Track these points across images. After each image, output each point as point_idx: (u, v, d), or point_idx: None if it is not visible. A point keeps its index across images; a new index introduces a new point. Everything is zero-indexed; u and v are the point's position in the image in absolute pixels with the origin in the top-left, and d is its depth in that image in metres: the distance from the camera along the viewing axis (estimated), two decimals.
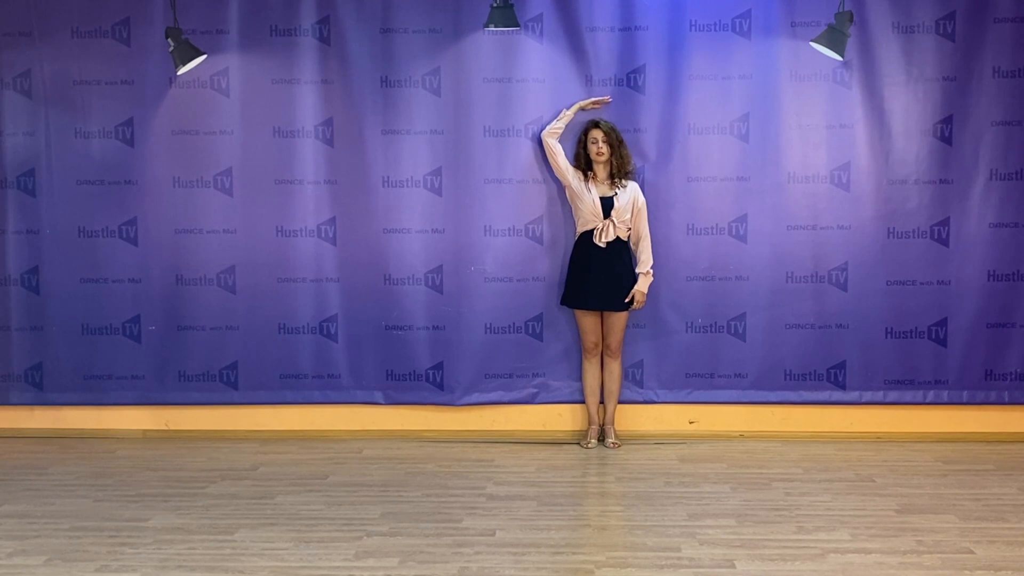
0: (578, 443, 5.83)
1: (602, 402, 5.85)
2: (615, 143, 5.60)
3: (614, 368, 5.76)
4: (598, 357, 5.78)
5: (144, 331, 6.00)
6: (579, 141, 5.67)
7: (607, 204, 5.59)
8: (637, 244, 5.69)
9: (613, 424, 5.81)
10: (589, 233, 5.63)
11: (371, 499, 4.76)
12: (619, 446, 5.70)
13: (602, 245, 5.59)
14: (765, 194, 5.83)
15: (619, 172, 5.62)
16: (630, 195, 5.64)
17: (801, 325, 5.89)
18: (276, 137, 5.90)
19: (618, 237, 5.61)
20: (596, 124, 5.63)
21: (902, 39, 5.74)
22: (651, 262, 5.67)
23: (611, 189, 5.62)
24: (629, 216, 5.62)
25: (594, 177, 5.66)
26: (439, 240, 5.89)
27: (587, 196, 5.60)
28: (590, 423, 5.83)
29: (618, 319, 5.69)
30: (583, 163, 5.66)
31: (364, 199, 5.90)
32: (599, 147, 5.58)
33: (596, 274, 5.60)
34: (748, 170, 5.81)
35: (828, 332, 5.88)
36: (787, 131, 5.81)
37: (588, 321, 5.71)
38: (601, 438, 5.82)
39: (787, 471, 5.23)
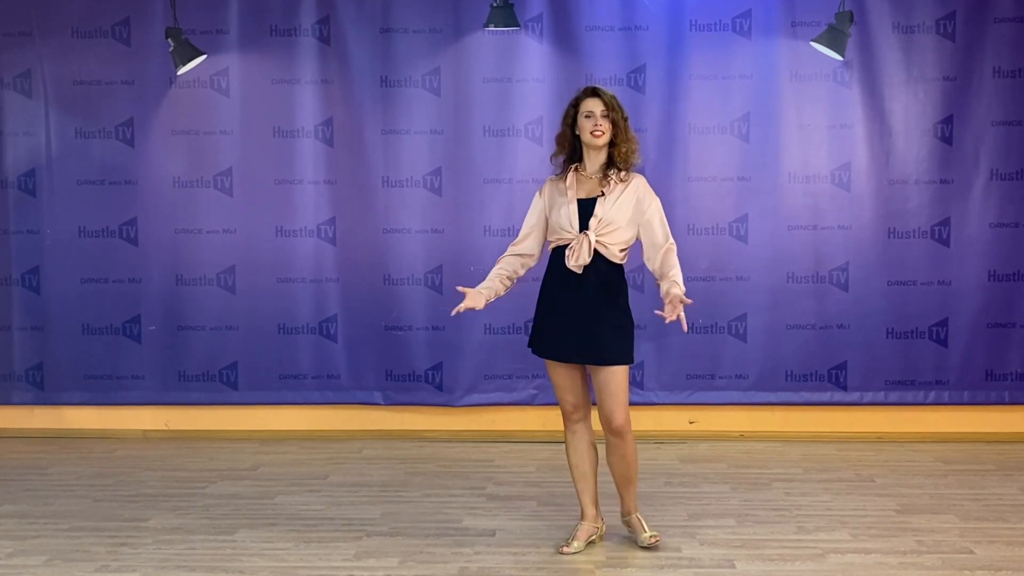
0: (560, 546, 4.04)
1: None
2: (619, 121, 3.89)
3: (624, 450, 3.97)
4: (584, 424, 4.03)
5: (144, 331, 6.00)
6: (566, 116, 3.97)
7: (586, 209, 3.89)
8: (657, 264, 3.91)
9: (637, 512, 4.10)
10: (562, 250, 3.93)
11: (371, 499, 4.75)
12: (658, 540, 4.03)
13: (575, 270, 3.87)
14: (765, 194, 5.82)
15: (621, 162, 3.90)
16: (627, 196, 3.87)
17: (802, 325, 5.88)
18: (276, 137, 5.90)
19: (603, 258, 3.87)
20: (594, 91, 3.91)
21: (902, 39, 5.73)
22: (680, 277, 3.90)
23: (600, 186, 3.91)
24: (621, 227, 3.87)
25: (580, 170, 3.96)
26: (439, 240, 5.89)
27: (562, 198, 3.93)
28: (581, 517, 4.09)
29: (611, 376, 3.86)
30: (569, 149, 3.98)
31: (364, 199, 5.90)
32: (596, 123, 3.85)
33: (568, 311, 3.90)
34: (748, 170, 5.81)
35: (829, 332, 5.88)
36: (787, 131, 5.80)
37: (560, 374, 3.97)
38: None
39: (787, 471, 5.22)
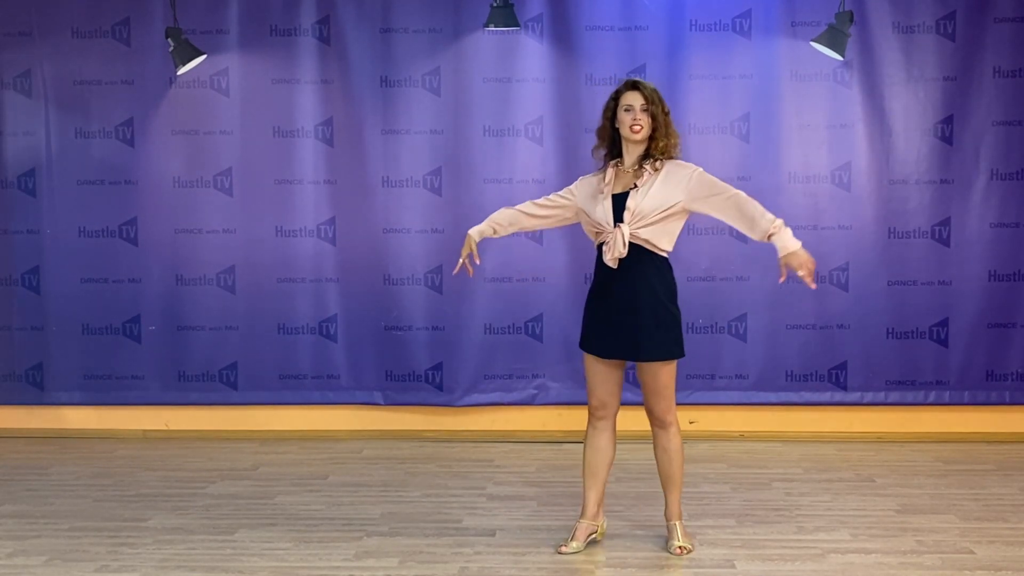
0: (559, 546, 4.03)
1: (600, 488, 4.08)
2: (659, 115, 3.82)
3: (666, 442, 3.96)
4: (606, 423, 3.99)
5: (144, 331, 6.00)
6: (606, 110, 3.92)
7: (621, 203, 3.83)
8: (741, 220, 3.87)
9: (679, 519, 4.03)
10: (601, 247, 3.90)
11: (371, 499, 4.75)
12: (688, 551, 3.98)
13: (611, 265, 3.83)
14: (765, 194, 5.76)
15: (659, 156, 3.83)
16: (659, 184, 3.79)
17: (802, 325, 5.88)
18: (276, 137, 5.90)
19: (643, 251, 3.82)
20: (634, 85, 3.85)
21: (902, 39, 5.73)
22: (769, 214, 3.80)
23: (634, 179, 3.85)
24: (657, 216, 3.78)
25: (619, 165, 3.90)
26: (439, 240, 5.88)
27: (599, 196, 3.88)
28: (583, 513, 4.06)
29: (655, 372, 3.88)
30: (609, 143, 3.93)
31: (364, 199, 5.90)
32: (635, 117, 3.80)
33: (608, 306, 3.88)
34: (748, 170, 5.81)
35: (829, 332, 5.87)
36: (788, 131, 5.80)
37: (596, 370, 3.95)
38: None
39: (787, 471, 5.22)
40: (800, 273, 3.69)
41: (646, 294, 3.82)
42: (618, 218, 3.80)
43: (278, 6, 5.85)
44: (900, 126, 5.78)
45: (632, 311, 3.82)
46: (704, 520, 4.40)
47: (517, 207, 4.10)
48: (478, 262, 4.10)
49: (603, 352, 3.91)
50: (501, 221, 4.08)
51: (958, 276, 5.82)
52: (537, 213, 4.06)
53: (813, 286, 3.73)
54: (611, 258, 3.80)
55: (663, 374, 3.88)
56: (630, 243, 3.79)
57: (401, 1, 5.82)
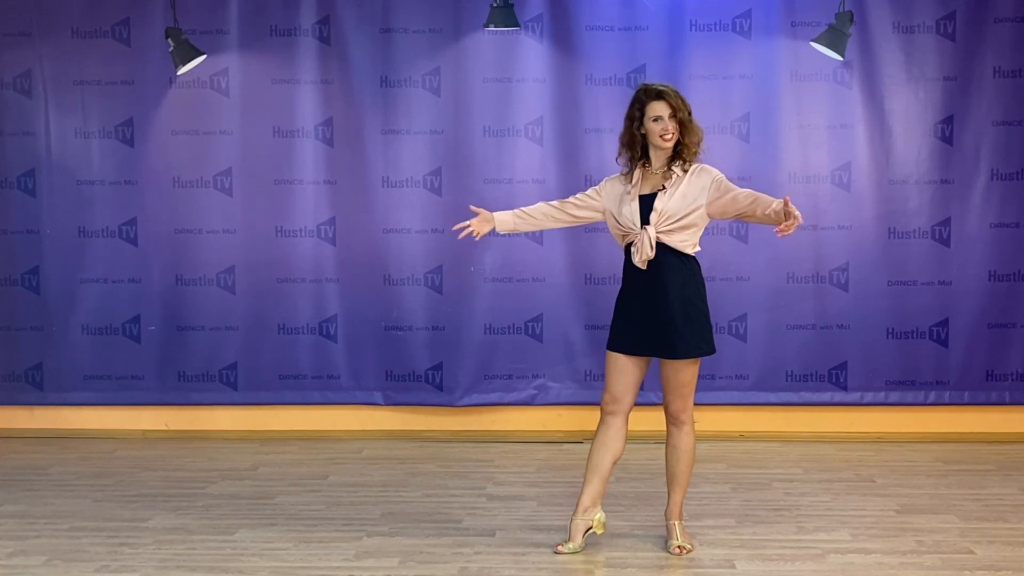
0: (553, 548, 4.02)
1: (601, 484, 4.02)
2: (686, 119, 3.87)
3: (678, 440, 3.98)
4: (614, 418, 3.96)
5: (144, 331, 6.00)
6: (630, 119, 3.92)
7: (648, 205, 3.88)
8: (753, 213, 3.92)
9: (679, 519, 4.04)
10: (629, 248, 3.94)
11: (371, 499, 4.75)
12: (687, 551, 3.98)
13: (640, 266, 3.87)
14: (765, 194, 5.81)
15: (688, 154, 3.89)
16: (685, 187, 3.85)
17: (802, 326, 5.88)
18: (276, 137, 5.91)
19: (671, 251, 3.87)
20: (660, 94, 3.86)
21: (902, 39, 5.74)
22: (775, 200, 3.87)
23: (663, 180, 3.90)
24: (684, 218, 3.85)
25: (647, 166, 3.95)
26: (439, 240, 5.88)
27: (626, 197, 3.93)
28: (576, 510, 4.00)
29: (678, 369, 3.91)
30: (637, 150, 3.93)
31: (364, 199, 5.90)
32: (665, 126, 3.84)
33: (638, 305, 3.90)
34: (749, 170, 5.80)
35: (829, 333, 5.87)
36: (788, 131, 5.81)
37: (617, 367, 3.96)
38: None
39: (787, 471, 5.22)
40: (796, 212, 3.80)
41: (676, 293, 3.86)
42: (644, 219, 3.85)
43: (278, 6, 5.85)
44: (900, 126, 5.79)
45: (662, 310, 3.85)
46: (704, 520, 4.40)
47: (553, 204, 4.10)
48: (476, 239, 4.20)
49: (632, 348, 3.92)
50: (534, 214, 4.10)
51: (958, 276, 5.82)
52: (576, 213, 4.08)
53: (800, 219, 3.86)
54: (640, 260, 3.85)
55: (686, 372, 3.91)
56: (657, 243, 3.84)
57: (401, 1, 5.82)
